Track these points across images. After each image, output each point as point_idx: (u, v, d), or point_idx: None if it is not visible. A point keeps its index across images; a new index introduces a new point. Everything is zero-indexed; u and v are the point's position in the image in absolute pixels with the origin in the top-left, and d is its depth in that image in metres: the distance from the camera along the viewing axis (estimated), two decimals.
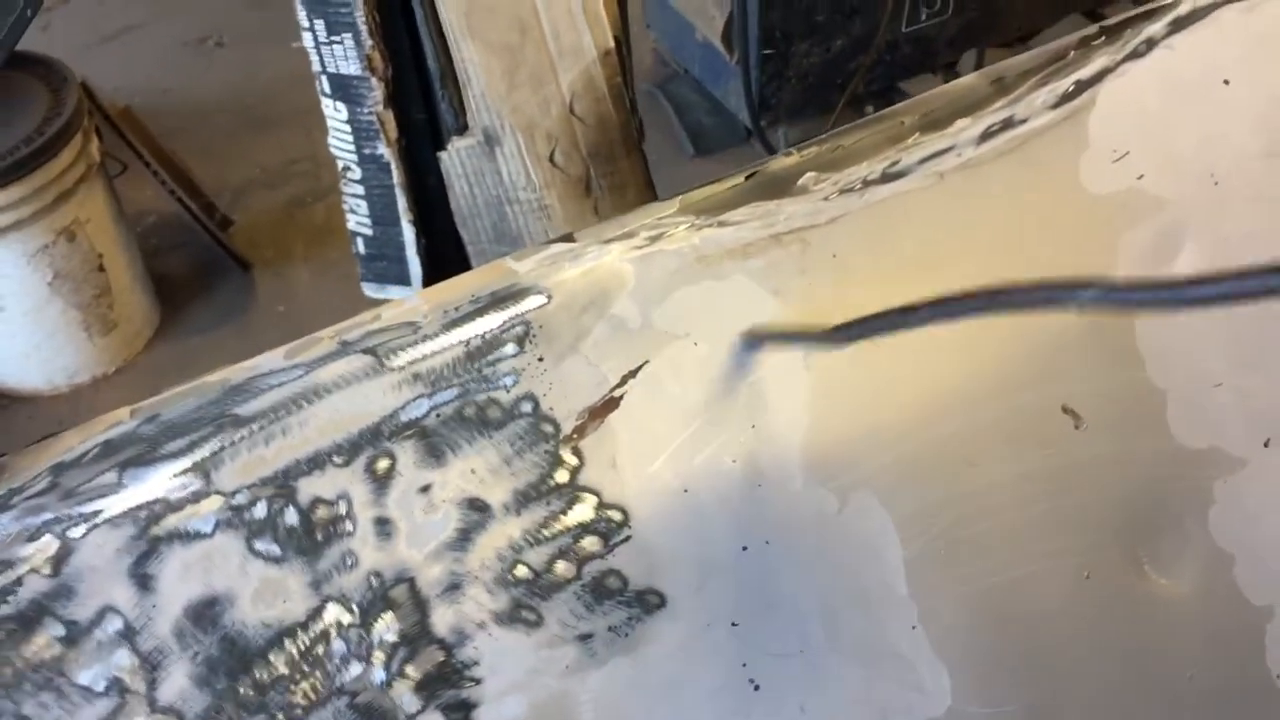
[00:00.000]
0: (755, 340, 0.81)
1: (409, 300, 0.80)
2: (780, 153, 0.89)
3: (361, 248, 1.81)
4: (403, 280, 1.81)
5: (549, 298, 0.79)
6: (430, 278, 1.76)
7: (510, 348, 0.78)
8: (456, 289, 0.80)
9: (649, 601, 0.77)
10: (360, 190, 1.73)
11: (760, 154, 3.22)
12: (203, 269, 3.16)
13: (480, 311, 0.79)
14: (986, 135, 0.88)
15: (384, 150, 1.66)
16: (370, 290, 1.86)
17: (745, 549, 0.79)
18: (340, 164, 1.72)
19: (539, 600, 0.75)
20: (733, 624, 0.79)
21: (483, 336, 0.78)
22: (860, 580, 0.81)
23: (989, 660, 0.84)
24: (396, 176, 1.67)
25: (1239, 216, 0.91)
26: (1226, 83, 0.92)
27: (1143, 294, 0.59)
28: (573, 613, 0.76)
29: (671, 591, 0.78)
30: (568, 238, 0.84)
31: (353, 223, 1.78)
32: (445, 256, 1.77)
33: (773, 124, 3.23)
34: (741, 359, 0.81)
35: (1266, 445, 0.90)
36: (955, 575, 0.83)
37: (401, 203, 1.69)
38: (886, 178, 0.86)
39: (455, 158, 1.58)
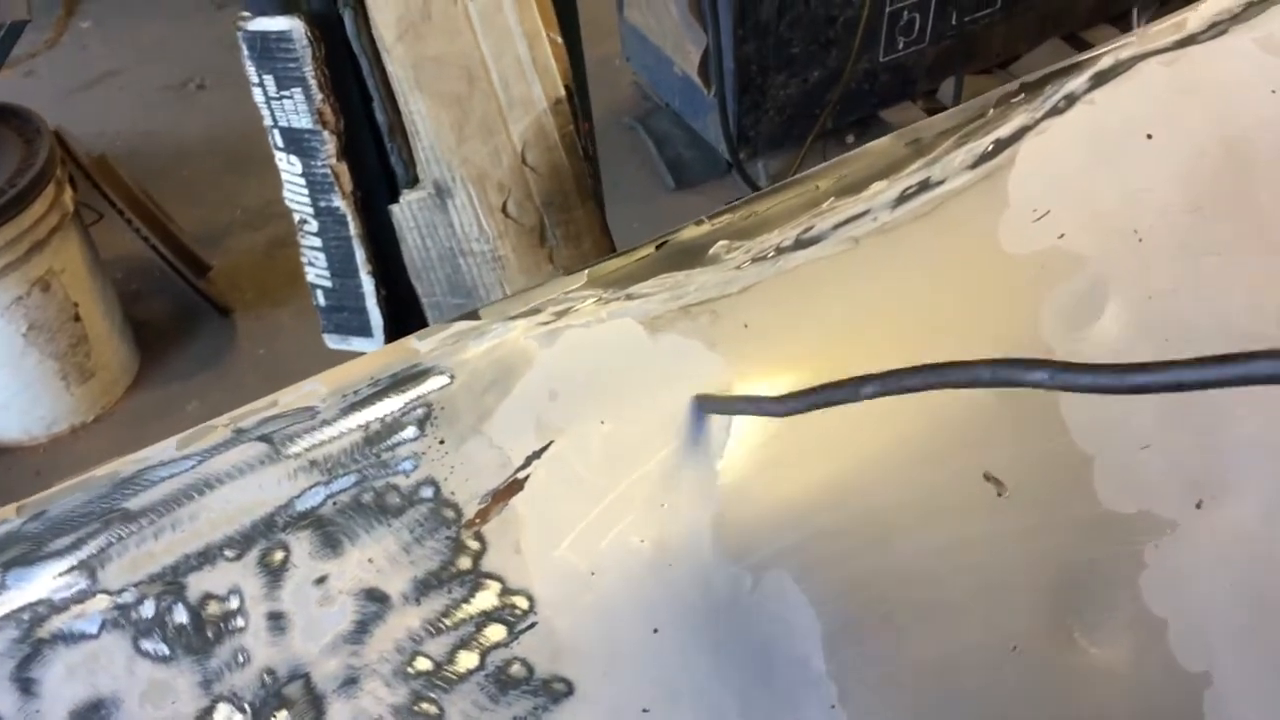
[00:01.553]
0: (705, 405, 0.79)
1: (307, 384, 0.78)
2: (691, 221, 0.87)
3: (322, 300, 1.79)
4: (364, 331, 1.80)
5: (451, 378, 0.78)
6: (391, 328, 1.75)
7: (410, 431, 0.76)
8: (357, 371, 0.79)
9: (556, 690, 0.75)
10: (318, 243, 1.72)
11: (740, 186, 3.22)
12: (182, 314, 3.16)
13: (380, 394, 0.77)
14: (903, 198, 0.87)
15: (339, 203, 1.65)
16: (332, 342, 1.84)
17: (656, 631, 0.77)
18: (297, 217, 1.71)
19: (440, 692, 0.74)
20: (644, 710, 0.77)
21: (382, 420, 0.76)
22: (776, 661, 0.79)
23: None
24: (353, 228, 1.66)
25: (1164, 272, 0.89)
26: (1149, 136, 0.90)
27: (1092, 377, 0.58)
28: (476, 704, 0.74)
29: (579, 679, 0.76)
30: (472, 315, 0.82)
31: (312, 275, 1.77)
32: (406, 307, 1.75)
33: (752, 156, 3.23)
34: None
35: (1199, 506, 0.88)
36: (876, 652, 0.81)
37: (360, 254, 1.68)
38: (800, 244, 0.85)
39: (407, 210, 1.57)
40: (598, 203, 1.69)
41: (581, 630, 0.76)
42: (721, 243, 0.85)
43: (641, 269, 0.84)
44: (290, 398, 0.77)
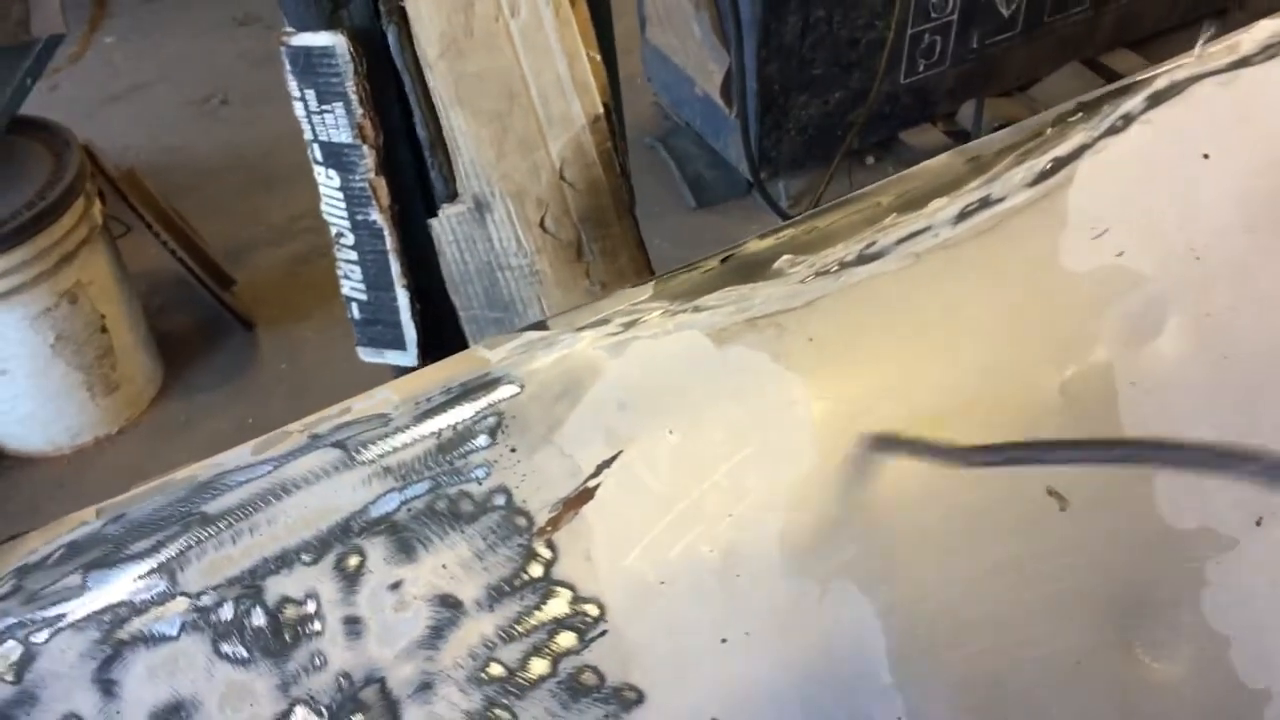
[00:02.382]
0: (881, 445, 0.80)
1: (379, 392, 0.79)
2: (755, 235, 0.88)
3: (356, 313, 1.80)
4: (398, 345, 1.81)
5: (521, 387, 0.79)
6: (425, 342, 1.76)
7: (482, 439, 0.77)
8: (428, 379, 0.80)
9: (626, 698, 0.76)
10: (354, 256, 1.73)
11: (761, 206, 3.23)
12: (206, 328, 3.17)
13: (452, 402, 0.78)
14: (964, 215, 0.87)
15: (376, 217, 1.66)
16: (366, 355, 1.85)
17: (724, 641, 0.78)
18: (333, 230, 1.72)
19: (513, 699, 0.74)
20: (713, 719, 0.77)
21: (454, 428, 0.77)
22: (843, 671, 0.80)
23: None
24: (390, 242, 1.67)
25: (1221, 290, 0.89)
26: (1206, 157, 0.91)
27: None
28: (548, 711, 0.75)
29: (649, 687, 0.76)
30: (540, 325, 0.83)
31: (347, 288, 1.78)
32: (441, 321, 1.76)
33: (773, 176, 3.24)
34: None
35: (1259, 524, 0.88)
36: (941, 665, 0.82)
37: (395, 268, 1.69)
38: (863, 259, 0.85)
39: (446, 225, 1.58)
40: (633, 219, 1.70)
41: (651, 639, 0.77)
42: (786, 257, 0.86)
43: (707, 281, 0.85)
44: (363, 405, 0.78)
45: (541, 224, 1.59)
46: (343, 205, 1.68)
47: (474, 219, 1.58)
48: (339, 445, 0.76)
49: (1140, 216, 0.89)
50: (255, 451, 0.76)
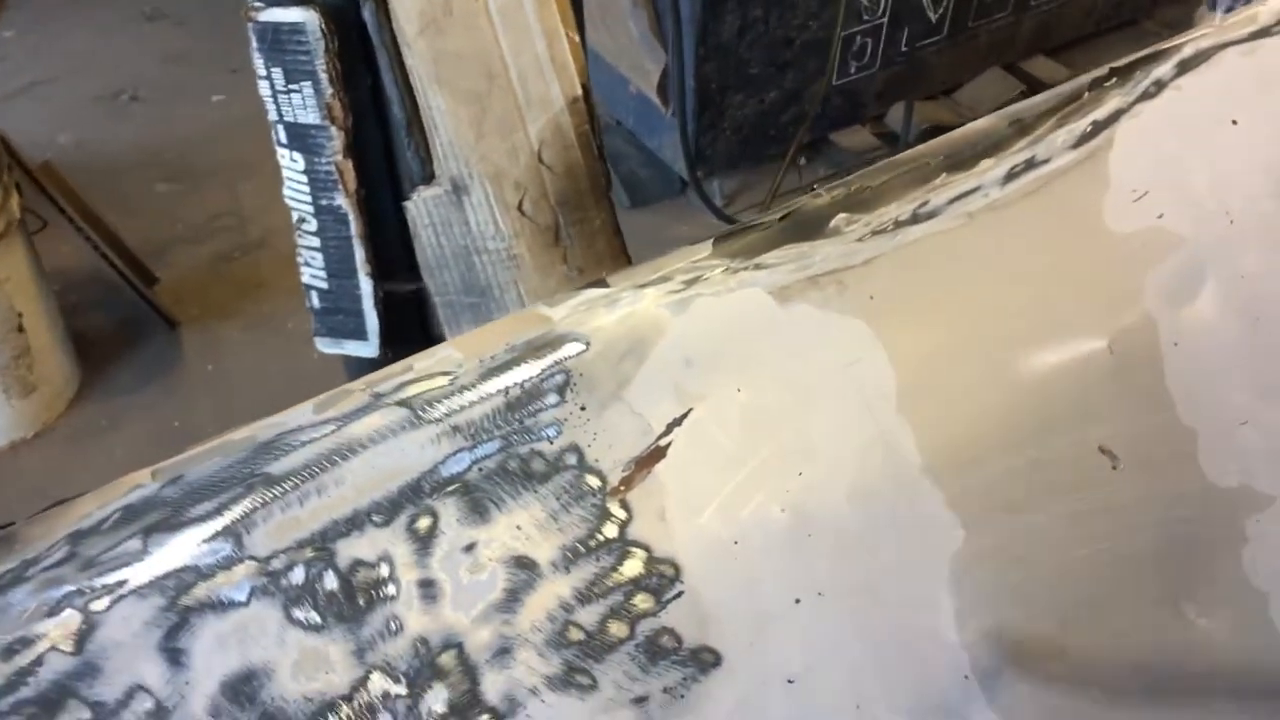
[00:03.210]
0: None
1: (440, 350, 0.76)
2: (810, 194, 0.87)
3: (316, 301, 1.75)
4: (359, 334, 1.76)
5: (587, 344, 0.76)
6: (388, 331, 1.71)
7: (551, 397, 0.74)
8: (490, 337, 0.77)
9: (704, 660, 0.74)
10: (316, 243, 1.68)
11: (695, 205, 3.23)
12: (126, 327, 3.05)
13: (518, 360, 0.75)
14: (1011, 175, 0.88)
15: (342, 201, 1.61)
16: (324, 345, 1.80)
17: (798, 601, 0.76)
18: (295, 215, 1.67)
19: (592, 662, 0.72)
20: (789, 680, 0.76)
21: (522, 385, 0.74)
22: (912, 630, 0.79)
23: (1039, 712, 0.82)
24: (355, 227, 1.62)
25: (1253, 254, 0.91)
26: (1235, 123, 0.93)
27: None
28: (627, 675, 0.72)
29: (726, 649, 0.74)
30: (600, 283, 0.81)
31: (307, 276, 1.73)
32: (403, 309, 1.72)
33: (708, 175, 3.25)
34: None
35: None
36: (1004, 622, 0.81)
37: (359, 254, 1.64)
38: (917, 218, 0.85)
39: (422, 207, 1.54)
40: (610, 204, 1.68)
41: (727, 600, 0.75)
42: (842, 215, 0.85)
43: (765, 240, 0.84)
44: (425, 363, 0.75)
45: (520, 207, 1.56)
46: (307, 189, 1.62)
47: (451, 202, 1.54)
48: (404, 404, 0.73)
49: (1177, 180, 0.91)
50: (317, 410, 0.73)
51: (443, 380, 0.74)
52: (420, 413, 0.72)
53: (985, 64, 3.57)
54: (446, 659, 0.69)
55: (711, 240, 0.84)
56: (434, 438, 0.72)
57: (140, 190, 3.55)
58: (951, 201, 0.86)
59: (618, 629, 0.72)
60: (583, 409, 0.75)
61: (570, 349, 0.76)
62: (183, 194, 3.52)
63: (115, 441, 2.78)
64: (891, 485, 0.79)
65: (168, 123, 3.83)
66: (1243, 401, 0.90)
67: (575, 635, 0.71)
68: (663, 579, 0.73)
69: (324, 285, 1.71)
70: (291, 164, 1.62)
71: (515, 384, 0.74)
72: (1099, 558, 0.84)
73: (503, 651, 0.70)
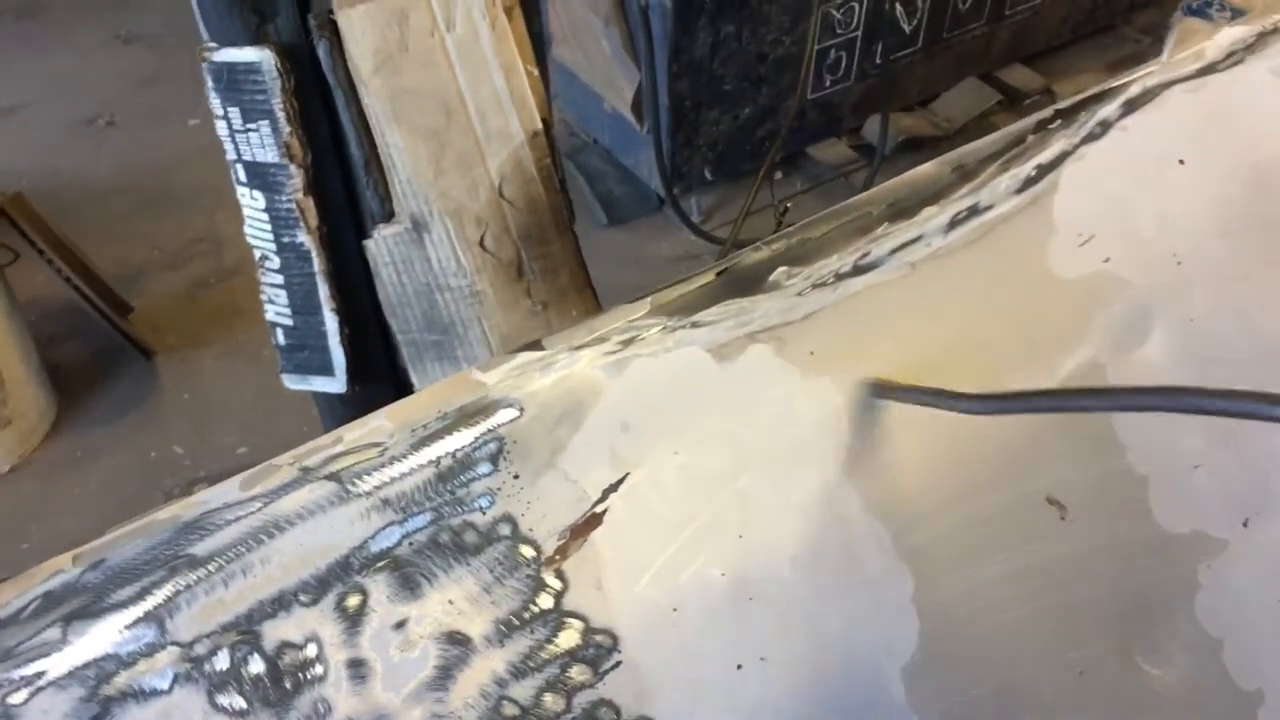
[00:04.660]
0: (883, 392, 0.77)
1: (371, 419, 0.75)
2: (749, 246, 0.86)
3: (281, 338, 1.73)
4: (325, 370, 1.74)
5: (521, 410, 0.75)
6: (353, 367, 1.70)
7: (484, 466, 0.73)
8: (421, 405, 0.75)
9: None
10: (279, 280, 1.66)
11: (672, 222, 3.22)
12: (102, 357, 3.04)
13: (450, 428, 0.74)
14: (954, 223, 0.87)
15: (304, 238, 1.60)
16: (291, 382, 1.78)
17: (740, 667, 0.75)
18: (258, 253, 1.65)
19: None
20: None
21: (454, 455, 0.73)
22: (858, 692, 0.78)
23: None
24: (318, 264, 1.61)
25: (1202, 295, 0.90)
26: (1181, 162, 0.92)
27: None
28: None
29: (666, 718, 0.73)
30: (535, 345, 0.80)
31: (271, 313, 1.71)
32: (368, 345, 1.71)
33: (685, 192, 3.24)
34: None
35: (1245, 525, 0.89)
36: (952, 682, 0.80)
37: (323, 291, 1.63)
38: (859, 270, 0.84)
39: (382, 245, 1.53)
40: (573, 236, 1.67)
41: (666, 668, 0.74)
42: (781, 269, 0.84)
43: (703, 296, 0.83)
44: (355, 434, 0.74)
45: (481, 243, 1.55)
46: (268, 227, 1.61)
47: (411, 239, 1.53)
48: (332, 477, 0.71)
49: (1123, 222, 0.90)
50: (243, 487, 0.71)
51: (373, 452, 0.73)
52: (349, 487, 0.71)
53: (961, 74, 3.57)
54: None
55: (649, 297, 0.83)
56: (363, 512, 0.71)
57: (117, 216, 3.53)
58: (893, 251, 0.85)
59: (554, 702, 0.71)
60: (516, 477, 0.73)
61: (503, 415, 0.75)
62: (159, 220, 3.50)
63: (92, 473, 2.77)
64: (835, 544, 0.78)
65: (144, 148, 3.81)
66: (1195, 446, 0.89)
67: (510, 711, 0.70)
68: (600, 649, 0.72)
69: (289, 322, 1.70)
70: (252, 202, 1.61)
71: (447, 454, 0.73)
72: (1050, 611, 0.83)
73: None
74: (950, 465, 0.82)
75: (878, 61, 3.29)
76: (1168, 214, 0.91)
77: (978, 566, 0.82)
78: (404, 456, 0.73)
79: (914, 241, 0.86)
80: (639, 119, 3.14)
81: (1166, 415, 0.88)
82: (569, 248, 1.62)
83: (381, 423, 0.74)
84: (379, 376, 1.77)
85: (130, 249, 3.39)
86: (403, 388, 1.66)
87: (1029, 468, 0.84)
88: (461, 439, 0.74)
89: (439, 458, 0.73)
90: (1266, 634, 0.89)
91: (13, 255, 2.81)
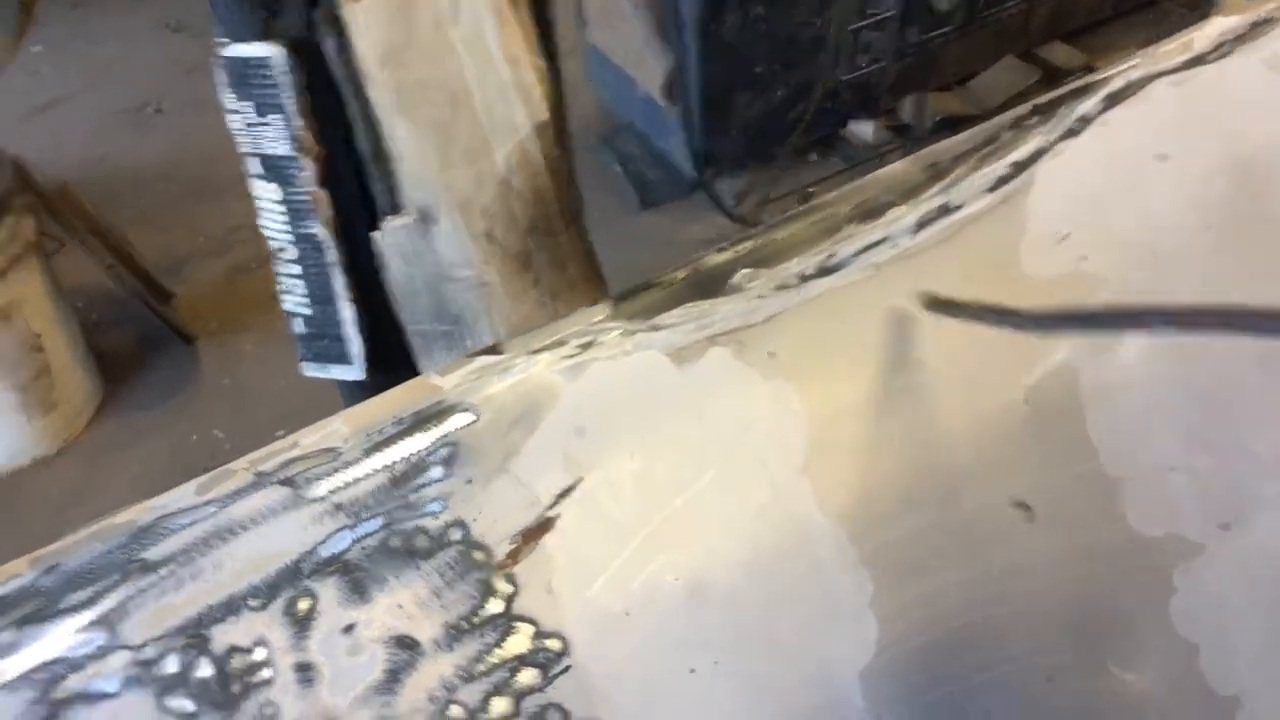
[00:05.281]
0: (936, 305, 0.78)
1: (329, 423, 0.76)
2: (714, 249, 0.86)
3: (300, 328, 1.75)
4: (344, 359, 1.76)
5: (476, 415, 0.76)
6: (371, 356, 1.72)
7: (437, 470, 0.74)
8: (378, 410, 0.76)
9: None
10: (296, 270, 1.68)
11: (706, 205, 3.21)
12: (145, 343, 3.10)
13: (404, 433, 0.75)
14: (922, 223, 0.86)
15: (318, 230, 1.61)
16: (311, 370, 1.80)
17: (693, 671, 0.75)
18: (274, 245, 1.67)
19: None
20: None
21: (407, 460, 0.74)
22: (813, 697, 0.78)
23: None
24: (333, 255, 1.62)
25: (1182, 294, 0.89)
26: (1163, 158, 0.90)
27: None
28: None
29: None
30: (493, 349, 0.80)
31: (289, 303, 1.73)
32: (386, 334, 1.72)
33: (717, 175, 3.23)
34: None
35: (1225, 528, 0.87)
36: (913, 685, 0.80)
37: (339, 282, 1.64)
38: (823, 271, 0.84)
39: (390, 238, 1.54)
40: (582, 227, 1.67)
41: (617, 672, 0.74)
42: (744, 271, 0.83)
43: (665, 299, 0.83)
44: (312, 438, 0.75)
45: (488, 235, 1.55)
46: (284, 219, 1.63)
47: (419, 232, 1.54)
48: (287, 482, 0.72)
49: (1100, 220, 0.88)
50: (199, 492, 0.73)
51: (327, 457, 0.74)
52: (302, 491, 0.72)
53: (1000, 52, 3.51)
54: None
55: (609, 301, 0.83)
56: (315, 517, 0.72)
57: (162, 204, 3.59)
58: (858, 253, 0.84)
59: (502, 706, 0.72)
60: (468, 482, 0.74)
61: (458, 420, 0.76)
62: (203, 206, 3.56)
63: (134, 457, 2.83)
64: (792, 549, 0.78)
65: (190, 135, 3.87)
66: (1172, 448, 0.87)
67: (457, 714, 0.71)
68: (549, 653, 0.73)
69: (307, 312, 1.72)
70: (267, 195, 1.63)
71: (400, 459, 0.74)
72: (1016, 615, 0.83)
73: None
74: (913, 468, 0.82)
75: (913, 41, 3.25)
76: (1147, 210, 0.89)
77: (940, 570, 0.81)
78: (357, 461, 0.74)
79: (880, 243, 0.85)
80: (670, 101, 3.13)
81: (1140, 419, 0.87)
82: (577, 239, 1.63)
83: (338, 427, 0.75)
84: (397, 364, 1.78)
85: (174, 236, 3.44)
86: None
87: (995, 471, 0.83)
88: (415, 444, 0.74)
89: (393, 463, 0.74)
90: (1244, 639, 0.87)
91: (58, 244, 2.87)
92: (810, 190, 2.54)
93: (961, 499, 0.82)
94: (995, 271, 0.86)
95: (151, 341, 3.09)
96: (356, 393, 1.82)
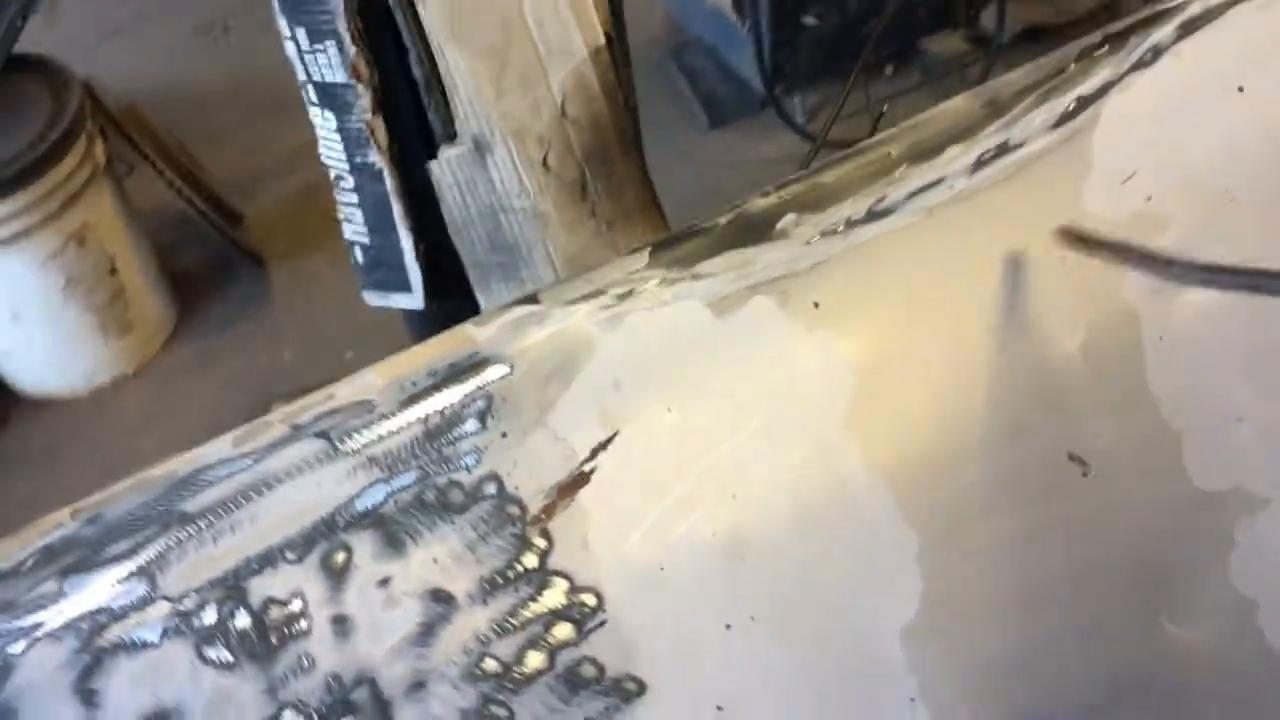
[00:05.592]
0: (1073, 242, 0.76)
1: (363, 375, 0.75)
2: (758, 192, 0.83)
3: (360, 257, 1.77)
4: (404, 287, 1.77)
5: (511, 367, 0.75)
6: (433, 284, 1.72)
7: (472, 424, 0.73)
8: (413, 361, 0.76)
9: (627, 690, 0.73)
10: (354, 199, 1.69)
11: (776, 123, 3.14)
12: (218, 265, 3.14)
13: (439, 386, 0.74)
14: (980, 163, 0.82)
15: (376, 158, 1.61)
16: (372, 299, 1.82)
17: (729, 627, 0.75)
18: (333, 174, 1.67)
19: (510, 694, 0.71)
20: (718, 708, 0.74)
21: (442, 413, 0.73)
22: (852, 653, 0.77)
23: None
24: (390, 184, 1.62)
25: (1255, 233, 0.84)
26: (1240, 90, 0.85)
27: None
28: (546, 706, 0.72)
29: (651, 677, 0.73)
30: (531, 299, 0.79)
31: (349, 232, 1.74)
32: (446, 261, 1.72)
33: (788, 91, 3.15)
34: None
35: None
36: (958, 642, 0.78)
37: (397, 210, 1.64)
38: (872, 216, 0.80)
39: (445, 167, 1.53)
40: (639, 154, 1.64)
41: (653, 627, 0.74)
42: (789, 216, 0.81)
43: (706, 246, 0.80)
44: (346, 390, 0.75)
45: (544, 163, 1.53)
46: (341, 147, 1.63)
47: (474, 160, 1.52)
48: (322, 435, 0.72)
49: (1171, 157, 0.84)
50: (235, 444, 0.73)
51: (361, 410, 0.73)
52: (338, 444, 0.72)
53: None
54: (360, 694, 0.70)
55: (649, 249, 0.81)
56: (350, 470, 0.72)
57: (232, 123, 3.60)
58: (911, 196, 0.81)
59: (536, 660, 0.72)
60: (504, 436, 0.73)
61: (494, 372, 0.75)
62: (272, 126, 3.56)
63: (206, 380, 2.88)
64: (835, 504, 0.77)
65: (259, 54, 3.85)
66: (1240, 398, 0.84)
67: (492, 667, 0.71)
68: (584, 608, 0.73)
69: (366, 241, 1.73)
70: (324, 123, 1.63)
71: (435, 411, 0.73)
72: (1066, 571, 0.81)
73: (417, 685, 0.70)
74: (963, 421, 0.79)
75: None
76: (1222, 146, 0.84)
77: (988, 526, 0.79)
78: (392, 414, 0.73)
79: (934, 184, 0.81)
80: (740, 15, 3.05)
81: (1211, 364, 0.83)
82: (633, 167, 1.60)
83: (372, 379, 0.75)
84: (459, 294, 1.78)
85: (244, 156, 3.46)
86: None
87: (1050, 423, 0.80)
88: (450, 397, 0.74)
89: (427, 416, 0.73)
90: None
91: (129, 167, 2.91)
92: (884, 109, 2.46)
93: (1013, 452, 0.80)
94: (1055, 213, 0.82)
95: (224, 264, 3.13)
96: (419, 322, 1.82)
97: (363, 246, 1.74)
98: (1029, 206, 0.82)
